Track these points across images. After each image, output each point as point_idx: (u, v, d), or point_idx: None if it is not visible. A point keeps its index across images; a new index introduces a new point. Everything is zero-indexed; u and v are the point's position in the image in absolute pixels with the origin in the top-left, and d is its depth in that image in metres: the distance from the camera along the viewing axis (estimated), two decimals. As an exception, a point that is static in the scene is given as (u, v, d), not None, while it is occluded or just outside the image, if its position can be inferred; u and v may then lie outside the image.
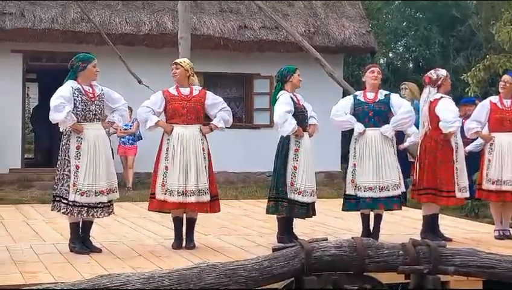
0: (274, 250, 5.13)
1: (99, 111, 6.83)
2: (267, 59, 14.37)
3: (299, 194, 7.15)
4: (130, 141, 13.20)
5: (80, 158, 6.62)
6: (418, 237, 6.92)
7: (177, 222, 7.15)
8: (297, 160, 7.19)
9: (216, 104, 7.23)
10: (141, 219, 9.10)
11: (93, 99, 6.76)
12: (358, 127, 7.34)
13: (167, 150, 7.01)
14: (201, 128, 7.10)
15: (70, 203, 6.60)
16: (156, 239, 7.63)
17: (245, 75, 14.95)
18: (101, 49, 12.57)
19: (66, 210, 6.63)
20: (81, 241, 6.79)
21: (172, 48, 12.13)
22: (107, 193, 6.74)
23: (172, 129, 7.01)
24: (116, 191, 6.89)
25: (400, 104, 7.37)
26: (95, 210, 6.69)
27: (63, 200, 6.64)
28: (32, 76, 17.02)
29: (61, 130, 6.78)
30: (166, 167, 6.97)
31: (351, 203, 7.40)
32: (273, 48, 14.44)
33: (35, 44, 13.31)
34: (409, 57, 21.60)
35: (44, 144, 17.01)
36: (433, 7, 20.01)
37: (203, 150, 7.04)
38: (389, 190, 7.24)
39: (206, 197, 6.97)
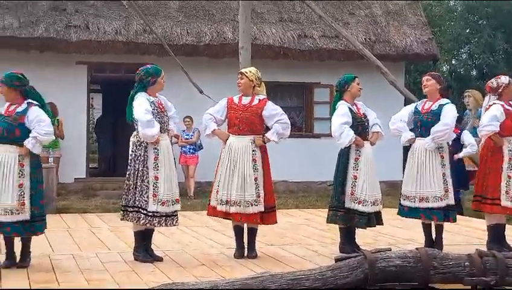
0: (336, 260, 5.10)
1: (168, 122, 6.93)
2: (327, 68, 14.34)
3: (359, 203, 7.08)
4: (191, 151, 13.34)
5: (158, 169, 6.71)
6: (484, 248, 6.78)
7: (238, 230, 7.18)
8: (357, 169, 7.14)
9: (273, 116, 7.15)
10: (203, 228, 9.17)
11: (164, 111, 6.88)
12: (405, 136, 7.33)
13: (221, 159, 7.10)
14: (255, 139, 7.10)
15: (150, 213, 6.69)
16: (218, 248, 7.67)
17: (305, 84, 14.95)
18: (163, 59, 12.75)
19: (146, 220, 6.71)
20: (144, 249, 6.88)
21: (233, 58, 12.23)
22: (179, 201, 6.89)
23: (227, 138, 7.09)
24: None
25: (443, 116, 7.20)
26: (171, 219, 6.80)
27: (142, 211, 6.72)
28: (96, 87, 17.38)
29: (132, 140, 6.87)
30: (220, 175, 7.08)
31: (400, 209, 7.44)
32: (333, 57, 14.42)
33: (99, 55, 13.60)
34: (473, 64, 21.26)
35: (108, 153, 17.35)
36: (497, 14, 19.65)
37: (255, 161, 7.02)
38: (428, 201, 7.14)
39: (253, 209, 6.95)
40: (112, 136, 16.91)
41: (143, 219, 6.71)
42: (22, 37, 13.04)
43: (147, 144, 6.73)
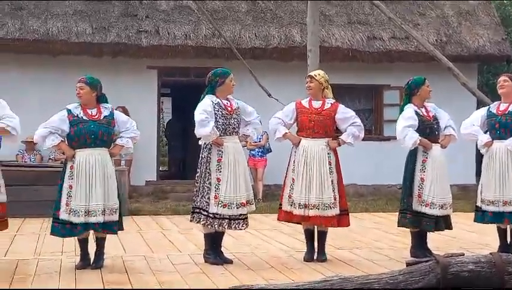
0: (408, 264, 5.02)
1: (237, 124, 6.95)
2: (397, 70, 14.18)
3: (426, 206, 7.00)
4: (260, 154, 13.38)
5: (221, 171, 6.75)
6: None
7: (308, 234, 7.16)
8: (424, 171, 7.05)
9: (347, 119, 7.15)
10: (272, 231, 9.19)
11: (231, 113, 6.90)
12: (482, 139, 7.16)
13: (294, 163, 7.08)
14: (329, 142, 7.07)
15: (211, 215, 6.74)
16: (287, 251, 7.67)
17: (374, 87, 14.82)
18: (232, 63, 12.83)
19: (206, 222, 6.76)
20: (214, 252, 6.94)
21: (301, 61, 12.22)
22: (247, 205, 6.87)
23: (300, 142, 7.06)
24: (253, 203, 6.99)
25: None
26: (237, 222, 6.80)
27: (203, 212, 6.79)
28: (165, 91, 17.64)
29: (200, 143, 6.95)
30: (293, 179, 7.05)
31: (478, 215, 7.26)
32: (403, 58, 14.24)
33: (169, 60, 13.78)
34: (549, 64, 20.60)
35: (178, 156, 17.58)
36: None
37: (330, 164, 7.01)
38: None
39: (332, 212, 6.94)
40: (182, 139, 17.13)
41: (203, 220, 6.77)
42: (94, 42, 13.35)
43: (211, 146, 6.79)
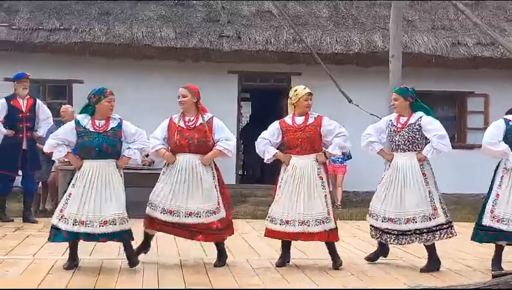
0: (494, 276, 4.92)
1: (403, 141, 6.91)
2: (482, 76, 13.87)
3: (497, 221, 6.81)
4: (340, 160, 13.28)
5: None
6: None
7: (285, 244, 7.17)
8: (500, 187, 6.86)
9: (331, 131, 7.05)
10: (350, 238, 9.10)
11: (399, 129, 6.92)
12: None
13: (281, 179, 7.09)
14: (317, 156, 6.99)
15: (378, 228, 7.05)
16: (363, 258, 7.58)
17: (457, 93, 14.53)
18: (312, 68, 12.84)
19: (376, 234, 7.07)
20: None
21: (382, 67, 12.08)
22: (414, 221, 6.86)
23: (290, 159, 7.05)
24: (431, 218, 6.96)
25: None
26: (410, 237, 6.90)
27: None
28: (245, 95, 17.73)
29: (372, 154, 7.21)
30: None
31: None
32: (489, 65, 13.92)
33: (249, 65, 13.88)
34: None
35: (254, 161, 17.60)
36: None
37: (321, 179, 6.96)
38: None
39: (319, 228, 6.89)
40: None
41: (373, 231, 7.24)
42: (177, 47, 13.57)
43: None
